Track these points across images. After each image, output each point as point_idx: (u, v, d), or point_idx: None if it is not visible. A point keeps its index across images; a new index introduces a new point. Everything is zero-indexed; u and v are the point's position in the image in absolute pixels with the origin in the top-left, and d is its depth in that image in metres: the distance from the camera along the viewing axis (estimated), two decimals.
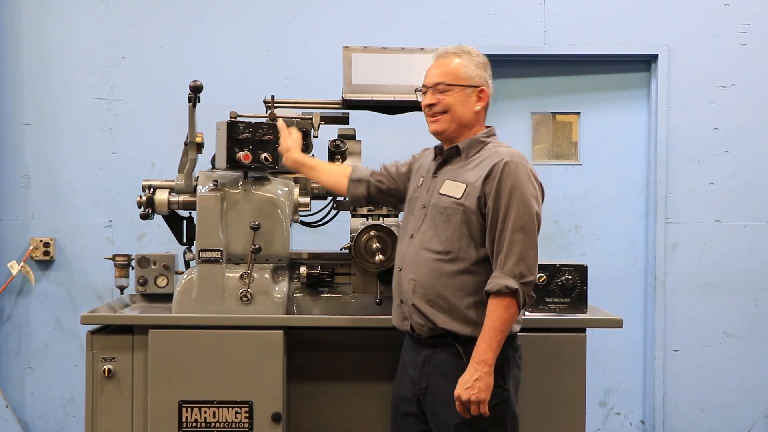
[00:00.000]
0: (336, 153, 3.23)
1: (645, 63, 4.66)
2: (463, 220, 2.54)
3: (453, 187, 2.59)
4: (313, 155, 3.21)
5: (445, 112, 2.63)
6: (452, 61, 2.63)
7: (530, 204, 2.50)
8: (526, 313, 3.09)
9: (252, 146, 3.03)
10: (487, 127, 2.70)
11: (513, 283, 2.44)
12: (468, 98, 2.62)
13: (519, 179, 2.50)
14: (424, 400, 2.61)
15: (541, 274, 3.08)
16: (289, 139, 3.02)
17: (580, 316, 3.07)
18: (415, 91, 2.73)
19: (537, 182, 2.57)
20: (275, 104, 3.20)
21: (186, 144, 3.17)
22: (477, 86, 2.63)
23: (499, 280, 2.46)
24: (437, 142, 2.76)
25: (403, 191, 2.85)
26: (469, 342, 2.50)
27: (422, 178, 2.74)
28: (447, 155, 2.67)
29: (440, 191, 2.61)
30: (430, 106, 2.64)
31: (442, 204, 2.59)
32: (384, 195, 2.93)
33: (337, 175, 2.98)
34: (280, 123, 3.07)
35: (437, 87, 2.62)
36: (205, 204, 3.06)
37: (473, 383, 2.44)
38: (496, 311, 2.45)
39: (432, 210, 2.61)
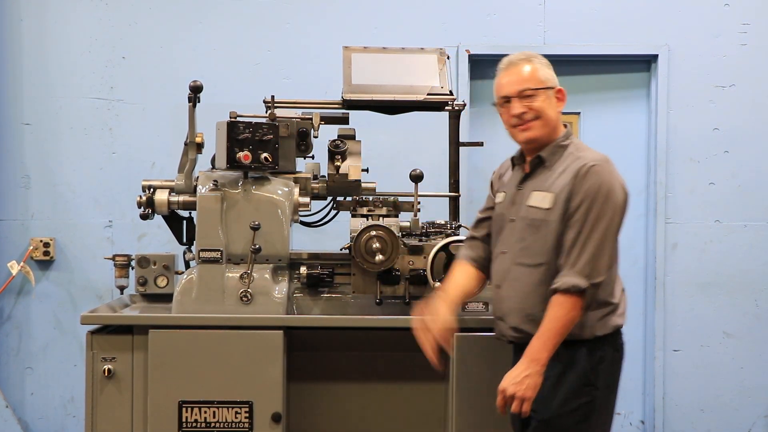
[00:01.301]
0: (336, 153, 3.23)
1: (645, 63, 4.66)
2: (553, 230, 2.48)
3: (540, 198, 2.53)
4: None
5: (537, 118, 2.56)
6: (524, 67, 2.58)
7: (613, 207, 2.45)
8: None
9: (252, 146, 3.03)
10: (564, 126, 2.63)
11: (582, 283, 2.39)
12: (551, 100, 2.58)
13: (602, 181, 2.45)
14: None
15: None
16: (438, 321, 2.64)
17: None
18: (493, 104, 2.66)
19: (622, 184, 2.51)
20: (275, 104, 3.20)
21: (186, 144, 3.17)
22: (555, 87, 2.59)
23: (568, 278, 2.41)
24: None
25: None
26: (570, 344, 2.46)
27: (504, 193, 2.68)
28: (532, 166, 2.60)
29: (528, 203, 2.55)
30: (520, 115, 2.56)
31: (531, 216, 2.53)
32: None
33: (473, 278, 2.76)
34: (418, 337, 2.66)
35: (523, 94, 2.55)
36: (205, 204, 3.06)
37: (522, 379, 2.41)
38: (559, 311, 2.41)
39: (521, 222, 2.56)
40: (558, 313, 2.41)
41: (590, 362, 2.49)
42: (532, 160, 2.61)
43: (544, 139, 2.58)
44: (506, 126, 2.63)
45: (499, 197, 2.71)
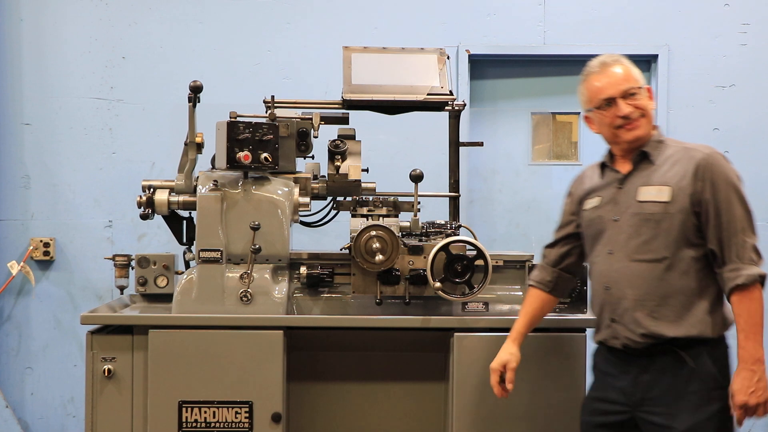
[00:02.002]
0: (336, 153, 3.22)
1: (645, 63, 4.65)
2: (676, 222, 2.45)
3: (655, 192, 2.49)
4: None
5: (642, 116, 2.56)
6: (617, 68, 2.61)
7: (741, 192, 2.48)
8: None
9: (252, 146, 3.03)
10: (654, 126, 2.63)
11: (760, 271, 2.38)
12: (649, 97, 2.60)
13: (727, 171, 2.47)
14: (640, 412, 2.49)
15: None
16: (500, 362, 2.77)
17: (580, 316, 3.07)
18: (589, 111, 2.65)
19: (735, 170, 2.54)
20: (275, 104, 3.20)
21: (186, 144, 3.17)
22: (647, 86, 2.62)
23: (746, 271, 2.37)
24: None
25: None
26: (693, 344, 2.42)
27: (599, 197, 2.64)
28: (634, 163, 2.58)
29: (639, 199, 2.51)
30: (627, 115, 2.55)
31: (647, 210, 2.49)
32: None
33: (545, 304, 2.84)
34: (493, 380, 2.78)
35: (627, 93, 2.55)
36: (205, 204, 3.06)
37: (756, 385, 2.33)
38: (753, 304, 2.36)
39: (633, 219, 2.51)
40: (752, 307, 2.36)
41: (717, 363, 2.44)
42: (635, 157, 2.58)
43: (648, 136, 2.59)
44: (607, 128, 2.60)
45: (592, 203, 2.66)
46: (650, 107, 2.59)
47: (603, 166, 2.70)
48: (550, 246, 2.85)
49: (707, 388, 2.43)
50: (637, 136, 2.57)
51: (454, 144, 3.47)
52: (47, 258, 4.49)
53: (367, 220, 3.14)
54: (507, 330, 2.96)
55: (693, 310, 2.44)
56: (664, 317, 2.45)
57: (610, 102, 2.57)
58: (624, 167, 2.61)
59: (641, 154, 2.57)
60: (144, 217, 3.17)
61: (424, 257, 3.04)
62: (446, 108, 3.36)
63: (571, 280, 2.86)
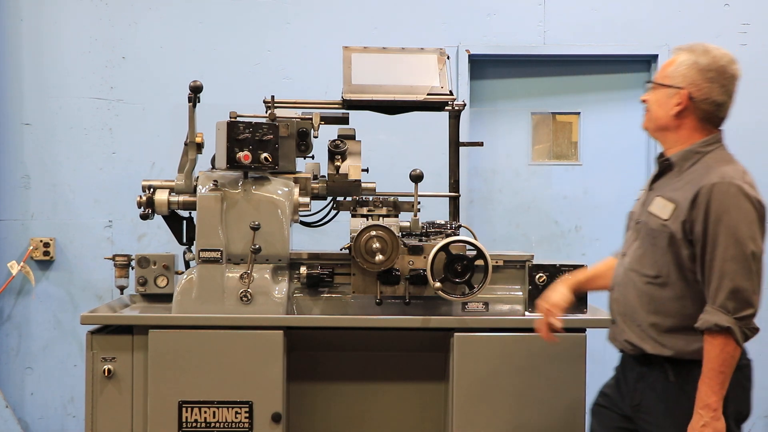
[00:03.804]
0: (336, 153, 3.23)
1: (645, 63, 4.66)
2: (669, 244, 2.34)
3: (661, 206, 2.38)
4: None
5: (648, 110, 2.51)
6: (672, 56, 2.49)
7: (740, 229, 2.25)
8: (526, 313, 3.10)
9: (252, 146, 3.03)
10: (712, 134, 2.44)
11: (724, 321, 2.23)
12: (663, 96, 2.45)
13: (728, 203, 2.26)
14: (637, 416, 2.48)
15: (541, 274, 3.08)
16: (552, 301, 2.71)
17: (580, 316, 3.07)
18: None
19: (754, 202, 2.31)
20: (275, 104, 3.20)
21: (186, 144, 3.17)
22: (681, 88, 2.41)
23: (709, 316, 2.26)
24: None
25: None
26: (680, 364, 2.35)
27: (642, 191, 2.57)
28: (661, 168, 2.47)
29: (650, 209, 2.42)
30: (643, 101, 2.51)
31: (650, 224, 2.40)
32: None
33: (607, 266, 2.73)
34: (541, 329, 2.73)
35: (649, 81, 2.52)
36: (205, 204, 3.06)
37: (700, 429, 2.26)
38: (711, 351, 2.26)
39: (643, 228, 2.44)
40: (710, 354, 2.27)
41: None
42: (661, 162, 2.48)
43: (654, 131, 2.49)
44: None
45: (641, 194, 2.56)
46: (652, 104, 2.46)
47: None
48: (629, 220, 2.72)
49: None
50: (644, 126, 2.52)
51: (454, 144, 3.47)
52: (47, 258, 4.49)
53: (367, 220, 3.14)
54: (507, 330, 2.98)
55: (672, 333, 2.37)
56: (648, 335, 2.40)
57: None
58: (657, 168, 2.51)
59: (666, 161, 2.46)
60: (144, 217, 3.17)
61: (424, 257, 3.04)
62: (446, 108, 3.36)
63: None
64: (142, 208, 3.16)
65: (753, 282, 2.27)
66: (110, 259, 3.46)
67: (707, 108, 2.40)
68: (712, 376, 2.26)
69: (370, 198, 3.23)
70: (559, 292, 2.71)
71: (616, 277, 2.55)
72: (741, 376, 2.37)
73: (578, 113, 4.70)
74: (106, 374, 2.98)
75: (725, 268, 2.25)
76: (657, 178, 2.49)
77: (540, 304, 2.74)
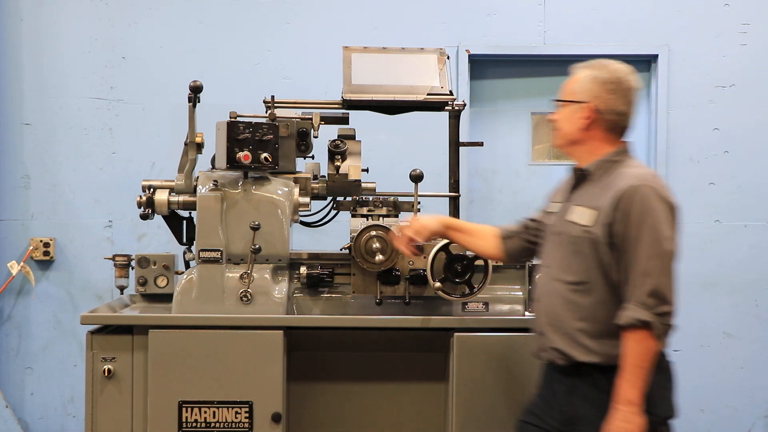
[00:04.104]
0: (336, 153, 3.23)
1: (645, 63, 4.66)
2: (593, 249, 2.39)
3: (581, 214, 2.45)
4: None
5: (557, 128, 2.62)
6: (573, 74, 2.61)
7: (660, 229, 2.32)
8: (526, 313, 3.10)
9: (252, 146, 3.03)
10: (619, 144, 2.54)
11: (644, 316, 2.29)
12: (571, 113, 2.55)
13: (649, 204, 2.33)
14: (573, 429, 2.46)
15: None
16: (422, 221, 2.81)
17: None
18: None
19: (668, 203, 2.38)
20: (275, 104, 3.20)
21: (186, 144, 3.17)
22: (583, 102, 2.52)
23: (629, 312, 2.31)
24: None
25: None
26: (610, 371, 2.36)
27: (556, 204, 2.62)
28: (578, 178, 2.54)
29: (570, 218, 2.48)
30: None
31: (571, 233, 2.45)
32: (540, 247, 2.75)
33: (488, 237, 2.82)
34: (393, 235, 2.90)
35: (555, 100, 2.62)
36: (205, 204, 3.06)
37: (615, 424, 2.30)
38: (630, 346, 2.30)
39: (563, 238, 2.49)
40: (629, 350, 2.31)
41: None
42: (577, 174, 2.55)
43: (564, 147, 2.58)
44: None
45: (554, 207, 2.63)
46: (561, 121, 2.56)
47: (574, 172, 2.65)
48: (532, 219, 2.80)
49: None
50: (555, 144, 2.63)
51: (454, 144, 3.47)
52: (47, 258, 4.49)
53: (367, 220, 3.14)
54: (507, 330, 2.97)
55: (600, 338, 2.39)
56: (578, 342, 2.42)
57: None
58: (573, 179, 2.59)
59: (581, 172, 2.53)
60: (144, 217, 3.17)
61: (424, 257, 3.04)
62: (446, 108, 3.36)
63: (524, 251, 2.78)
64: (142, 208, 3.16)
65: (671, 280, 2.34)
66: (110, 259, 3.47)
67: (612, 118, 2.51)
68: (632, 371, 2.30)
69: (370, 198, 3.23)
70: (433, 219, 2.80)
71: (540, 288, 2.57)
72: (663, 378, 2.42)
73: None
74: (106, 374, 2.98)
75: (647, 266, 2.31)
76: (574, 188, 2.55)
77: (412, 220, 2.82)
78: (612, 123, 2.52)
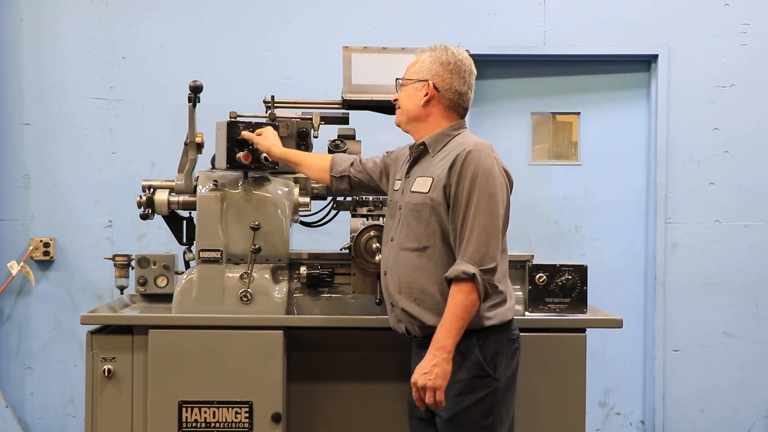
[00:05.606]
0: (336, 153, 3.22)
1: (645, 63, 4.66)
2: (432, 213, 2.54)
3: (422, 183, 2.59)
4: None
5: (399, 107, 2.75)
6: (416, 55, 2.72)
7: (493, 191, 2.49)
8: (526, 313, 3.10)
9: (252, 146, 3.03)
10: (457, 120, 2.68)
11: (471, 269, 2.42)
12: (412, 90, 2.67)
13: (482, 166, 2.49)
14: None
15: (540, 274, 3.08)
16: (265, 140, 3.01)
17: (580, 316, 3.07)
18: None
19: (504, 171, 2.57)
20: (275, 104, 3.20)
21: (186, 144, 3.18)
22: (424, 80, 2.65)
23: (458, 266, 2.45)
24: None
25: (382, 188, 2.92)
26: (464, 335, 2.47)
27: (399, 181, 2.75)
28: (416, 153, 2.69)
29: (412, 189, 2.62)
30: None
31: (413, 201, 2.60)
32: (364, 189, 3.00)
33: (319, 171, 3.01)
34: (246, 133, 3.03)
35: (398, 80, 2.75)
36: (205, 204, 3.06)
37: (430, 369, 2.42)
38: (455, 297, 2.44)
39: (405, 208, 2.63)
40: (454, 300, 2.43)
41: (484, 354, 2.52)
42: (415, 149, 2.69)
43: (405, 126, 2.72)
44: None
45: (396, 184, 2.76)
46: (402, 99, 2.68)
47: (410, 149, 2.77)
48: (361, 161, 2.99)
49: (473, 377, 2.52)
50: (396, 122, 2.75)
51: None
52: (47, 258, 4.49)
53: (367, 220, 3.14)
54: None
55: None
56: (427, 306, 2.55)
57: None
58: (412, 154, 2.72)
59: (420, 146, 2.66)
60: (144, 217, 3.17)
61: None
62: None
63: (343, 192, 3.03)
64: (142, 208, 3.16)
65: (497, 239, 2.49)
66: (110, 259, 3.47)
67: (451, 97, 2.65)
68: (453, 321, 2.43)
69: (370, 198, 3.23)
70: (277, 149, 2.99)
71: (387, 261, 2.68)
72: (511, 349, 2.59)
73: (578, 113, 4.70)
74: (106, 374, 2.98)
75: (477, 224, 2.46)
76: (413, 164, 2.69)
77: (265, 133, 3.02)
78: (451, 101, 2.65)
